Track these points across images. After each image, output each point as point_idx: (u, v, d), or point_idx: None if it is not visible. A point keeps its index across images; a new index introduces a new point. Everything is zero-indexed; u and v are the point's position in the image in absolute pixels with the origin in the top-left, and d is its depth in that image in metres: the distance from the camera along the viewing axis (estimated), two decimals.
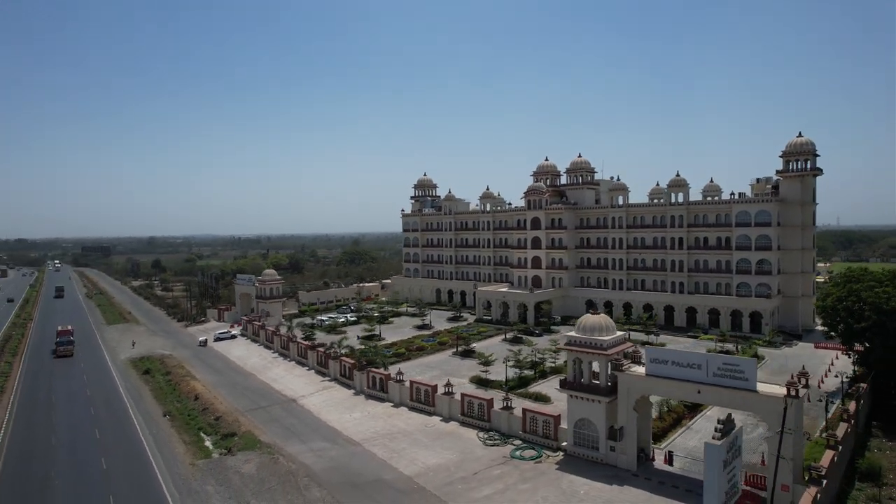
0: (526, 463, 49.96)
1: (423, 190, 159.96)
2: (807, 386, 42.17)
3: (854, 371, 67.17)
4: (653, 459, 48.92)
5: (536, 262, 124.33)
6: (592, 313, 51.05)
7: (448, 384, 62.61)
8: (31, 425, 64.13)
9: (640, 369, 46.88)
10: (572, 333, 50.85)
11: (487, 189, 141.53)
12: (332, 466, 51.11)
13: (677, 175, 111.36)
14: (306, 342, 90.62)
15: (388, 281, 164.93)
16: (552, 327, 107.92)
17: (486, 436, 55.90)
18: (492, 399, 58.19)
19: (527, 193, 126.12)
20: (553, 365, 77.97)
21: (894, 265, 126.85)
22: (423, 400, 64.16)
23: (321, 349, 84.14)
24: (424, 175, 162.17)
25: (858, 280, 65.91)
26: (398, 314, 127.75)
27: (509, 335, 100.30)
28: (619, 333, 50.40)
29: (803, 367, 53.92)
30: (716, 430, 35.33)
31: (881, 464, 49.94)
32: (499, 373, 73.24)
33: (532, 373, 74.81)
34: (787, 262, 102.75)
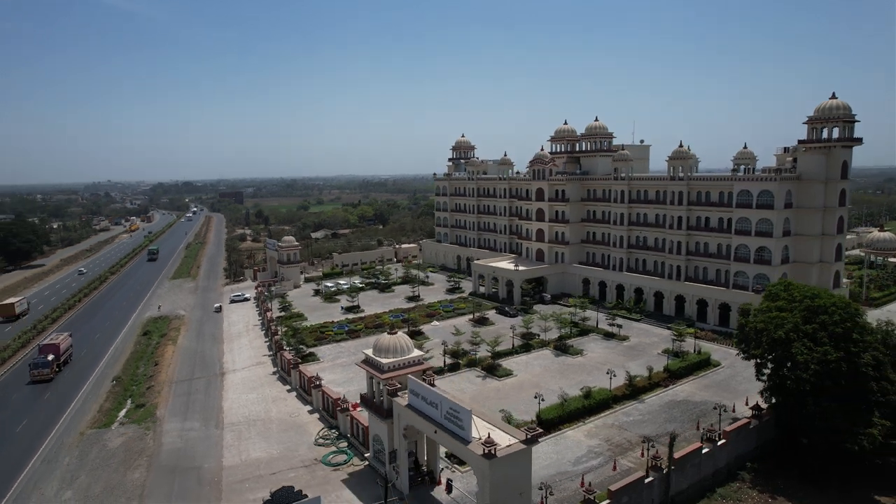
0: (325, 469, 52.43)
1: (460, 152, 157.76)
2: (532, 441, 38.91)
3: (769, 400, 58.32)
4: (439, 483, 48.67)
5: (540, 235, 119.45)
6: (391, 334, 50.44)
7: (317, 377, 65.80)
8: (17, 376, 79.47)
9: (406, 398, 46.26)
10: (368, 351, 50.99)
11: (505, 155, 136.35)
12: (179, 448, 57.78)
13: (680, 146, 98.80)
14: (269, 314, 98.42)
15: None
16: (535, 307, 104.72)
17: (323, 433, 58.86)
18: (338, 398, 60.42)
19: (532, 162, 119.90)
20: (474, 357, 77.09)
21: None
22: (305, 389, 68.30)
23: (272, 324, 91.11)
24: (462, 136, 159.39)
25: (776, 297, 56.17)
26: (409, 281, 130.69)
27: (477, 315, 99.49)
28: (413, 355, 49.49)
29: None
30: None
31: None
32: (436, 359, 75.19)
33: (442, 364, 74.76)
34: (800, 250, 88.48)
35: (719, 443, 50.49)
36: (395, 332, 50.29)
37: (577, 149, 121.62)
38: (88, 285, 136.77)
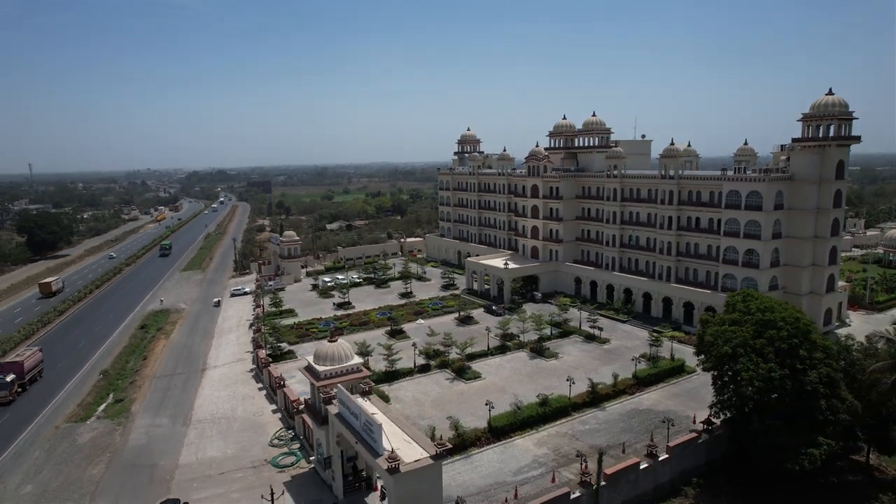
0: (271, 470, 53.70)
1: (466, 146, 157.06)
2: (440, 457, 39.04)
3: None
4: (375, 489, 49.35)
5: (535, 232, 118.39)
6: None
7: (281, 377, 67.16)
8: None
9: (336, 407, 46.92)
10: (310, 358, 51.78)
11: (504, 150, 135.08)
12: (142, 445, 59.93)
13: (672, 143, 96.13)
14: (258, 310, 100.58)
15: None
16: (525, 305, 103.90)
17: (279, 434, 60.19)
18: (295, 400, 61.55)
19: (527, 159, 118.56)
20: (447, 358, 77.21)
21: None
22: (273, 388, 69.82)
23: (256, 321, 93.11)
24: (468, 130, 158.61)
25: (733, 309, 54.53)
26: (407, 276, 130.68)
27: (463, 313, 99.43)
28: (351, 363, 50.04)
29: None
30: None
31: None
32: (410, 359, 75.88)
33: (413, 365, 75.23)
34: (791, 253, 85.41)
35: (661, 458, 49.73)
36: (336, 340, 50.96)
37: (575, 144, 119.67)
38: (101, 278, 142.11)
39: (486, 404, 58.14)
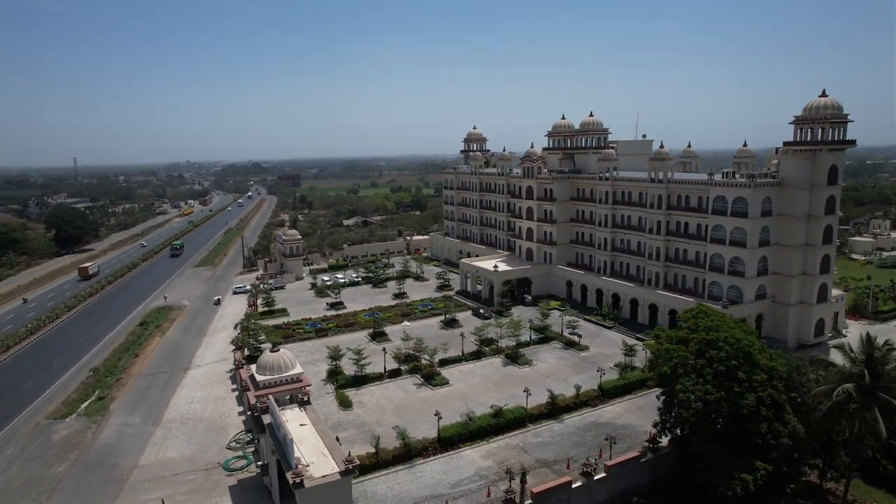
0: (221, 474, 55.22)
1: (472, 144, 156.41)
2: (349, 472, 39.54)
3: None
4: None
5: (529, 234, 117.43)
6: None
7: (252, 378, 68.64)
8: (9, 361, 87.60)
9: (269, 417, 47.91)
10: (253, 367, 52.90)
11: (504, 150, 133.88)
12: (110, 444, 62.40)
13: (661, 146, 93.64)
14: (249, 309, 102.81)
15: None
16: (514, 308, 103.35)
17: (237, 437, 61.76)
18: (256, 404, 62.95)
19: (522, 160, 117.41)
20: (419, 363, 77.61)
21: None
22: (243, 390, 71.53)
23: (242, 321, 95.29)
24: (474, 128, 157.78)
25: (684, 326, 53.13)
26: (406, 276, 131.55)
27: (448, 316, 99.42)
28: (291, 373, 51.04)
29: None
30: None
31: None
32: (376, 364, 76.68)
33: (383, 370, 75.93)
34: (780, 261, 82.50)
35: (597, 477, 49.06)
36: (278, 350, 51.98)
37: (572, 145, 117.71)
38: (114, 274, 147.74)
39: (436, 414, 58.28)
